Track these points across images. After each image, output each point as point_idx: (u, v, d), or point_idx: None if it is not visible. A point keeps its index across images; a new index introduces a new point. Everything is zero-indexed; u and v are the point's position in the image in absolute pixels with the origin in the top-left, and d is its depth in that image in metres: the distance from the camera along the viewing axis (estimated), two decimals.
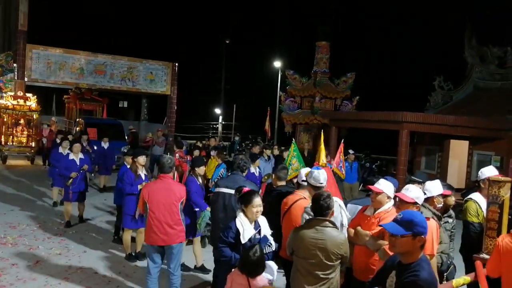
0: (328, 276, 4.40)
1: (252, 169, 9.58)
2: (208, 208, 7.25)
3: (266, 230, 5.11)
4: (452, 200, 5.88)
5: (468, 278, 4.29)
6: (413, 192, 4.71)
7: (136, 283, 7.08)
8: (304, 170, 5.88)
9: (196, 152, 11.89)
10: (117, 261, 7.88)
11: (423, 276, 3.21)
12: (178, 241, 6.20)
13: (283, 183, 6.96)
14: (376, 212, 4.89)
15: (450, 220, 5.53)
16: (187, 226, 7.22)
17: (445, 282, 4.25)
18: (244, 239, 4.85)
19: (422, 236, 3.33)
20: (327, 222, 4.46)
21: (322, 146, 7.30)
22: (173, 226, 6.08)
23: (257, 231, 4.98)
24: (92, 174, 15.42)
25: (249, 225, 4.93)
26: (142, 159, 8.20)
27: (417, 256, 3.34)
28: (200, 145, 15.01)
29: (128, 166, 8.60)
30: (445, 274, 4.95)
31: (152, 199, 6.03)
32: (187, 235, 7.34)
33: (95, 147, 15.06)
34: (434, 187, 5.38)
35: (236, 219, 4.98)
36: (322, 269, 4.36)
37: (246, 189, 5.24)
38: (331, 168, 7.13)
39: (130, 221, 8.01)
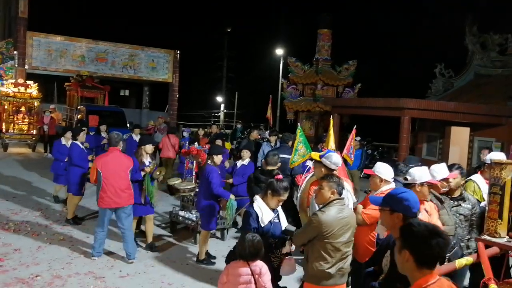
0: (351, 251, 4.48)
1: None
2: (232, 196, 7.24)
3: (284, 221, 5.08)
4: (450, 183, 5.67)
5: (470, 259, 4.31)
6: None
7: (139, 267, 7.12)
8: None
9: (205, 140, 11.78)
10: (120, 246, 7.85)
11: None
12: (129, 203, 7.31)
13: (274, 167, 7.65)
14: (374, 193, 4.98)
15: (464, 204, 5.43)
16: (209, 218, 7.34)
17: (447, 263, 4.26)
18: (263, 222, 4.76)
19: (399, 213, 3.30)
20: (342, 200, 4.50)
21: (331, 131, 7.39)
22: (124, 190, 7.21)
23: (275, 215, 4.93)
24: None
25: (268, 209, 4.84)
26: (149, 148, 8.14)
27: None
28: (202, 132, 14.99)
29: None
30: (447, 255, 4.96)
31: (105, 168, 7.12)
32: (205, 226, 7.37)
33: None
34: (440, 171, 5.35)
35: (254, 203, 4.90)
36: (348, 245, 4.41)
37: (279, 176, 5.11)
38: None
39: (137, 208, 7.76)
